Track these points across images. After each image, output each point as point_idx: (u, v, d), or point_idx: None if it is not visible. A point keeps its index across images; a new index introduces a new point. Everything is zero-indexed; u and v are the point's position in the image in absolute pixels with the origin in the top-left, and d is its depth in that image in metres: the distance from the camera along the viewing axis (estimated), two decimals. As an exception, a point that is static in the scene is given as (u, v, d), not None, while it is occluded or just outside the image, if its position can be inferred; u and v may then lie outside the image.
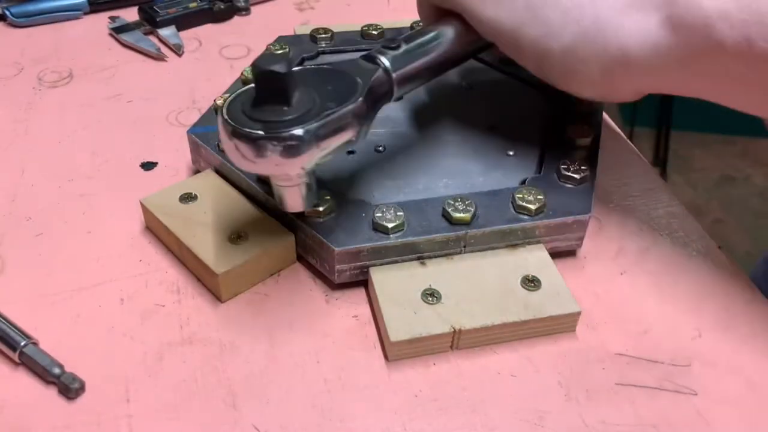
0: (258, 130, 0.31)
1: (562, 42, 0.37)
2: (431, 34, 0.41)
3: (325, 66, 0.38)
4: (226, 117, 0.32)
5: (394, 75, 0.38)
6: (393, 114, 0.47)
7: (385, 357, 0.35)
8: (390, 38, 0.41)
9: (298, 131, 0.32)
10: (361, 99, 0.34)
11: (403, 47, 0.40)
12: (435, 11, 0.43)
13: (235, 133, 0.32)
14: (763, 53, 0.30)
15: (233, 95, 0.34)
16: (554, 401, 0.33)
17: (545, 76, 0.40)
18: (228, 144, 0.32)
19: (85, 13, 0.65)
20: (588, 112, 0.47)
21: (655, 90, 0.37)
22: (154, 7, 0.63)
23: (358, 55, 0.53)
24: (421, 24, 0.54)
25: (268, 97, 0.32)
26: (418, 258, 0.38)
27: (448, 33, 0.41)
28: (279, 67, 0.31)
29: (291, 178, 0.34)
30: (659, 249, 0.42)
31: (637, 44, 0.35)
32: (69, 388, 0.32)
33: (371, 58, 0.39)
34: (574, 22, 0.36)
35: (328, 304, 0.38)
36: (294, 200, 0.35)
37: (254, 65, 0.32)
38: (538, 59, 0.39)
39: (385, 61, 0.38)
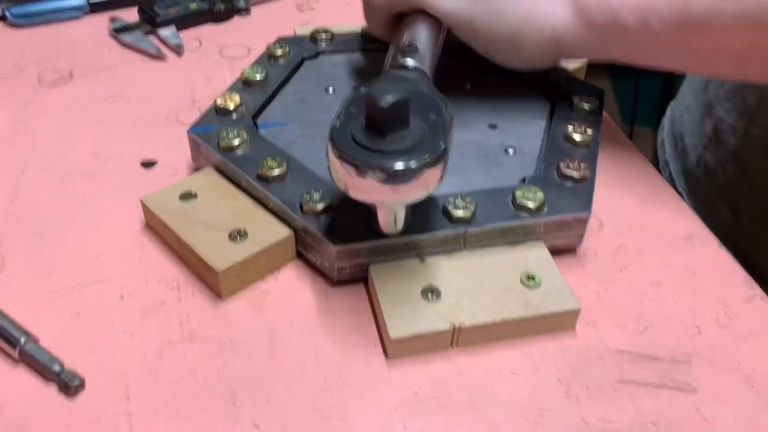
0: (405, 160, 0.31)
1: (510, 27, 0.44)
2: (425, 31, 0.44)
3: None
4: (373, 161, 0.31)
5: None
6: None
7: (385, 354, 0.35)
8: (406, 45, 0.42)
9: (442, 152, 0.32)
10: (448, 107, 0.35)
11: (421, 49, 0.42)
12: (390, 17, 0.48)
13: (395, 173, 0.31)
14: (657, 29, 0.40)
15: (338, 122, 0.33)
16: (554, 398, 0.33)
17: (491, 55, 0.47)
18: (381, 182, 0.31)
19: (85, 14, 0.66)
20: (588, 112, 0.47)
21: (572, 58, 0.47)
22: (154, 8, 0.63)
23: (358, 54, 0.54)
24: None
25: (395, 125, 0.32)
26: (418, 255, 0.38)
27: (429, 27, 0.45)
28: (406, 95, 0.31)
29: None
30: (659, 246, 0.42)
31: (563, 29, 0.43)
32: (69, 385, 0.32)
33: (403, 66, 0.41)
34: (520, 9, 0.44)
35: (328, 301, 0.38)
36: (400, 221, 0.36)
37: (374, 96, 0.31)
38: (488, 41, 0.45)
39: (418, 65, 0.41)
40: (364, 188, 0.32)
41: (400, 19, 0.46)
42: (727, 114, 0.58)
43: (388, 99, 0.31)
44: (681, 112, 0.66)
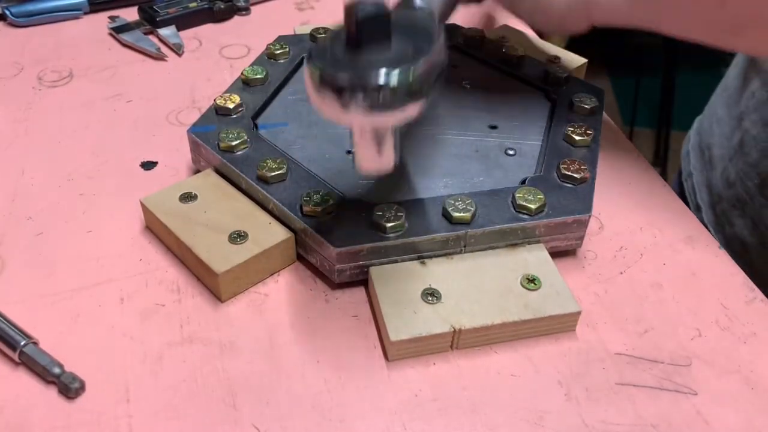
0: (388, 68, 0.29)
1: None
2: None
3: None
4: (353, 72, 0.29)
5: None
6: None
7: (385, 357, 0.35)
8: None
9: (425, 63, 0.30)
10: (443, 34, 0.33)
11: None
12: None
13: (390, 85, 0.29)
14: None
15: (316, 47, 0.31)
16: (554, 401, 0.33)
17: (516, 12, 0.46)
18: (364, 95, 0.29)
19: (85, 13, 0.66)
20: (588, 113, 0.47)
21: (606, 24, 0.44)
22: (154, 7, 0.63)
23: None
24: None
25: (371, 39, 0.30)
26: (418, 258, 0.38)
27: None
28: (382, 7, 0.30)
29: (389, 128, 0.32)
30: (659, 249, 0.42)
31: None
32: (69, 387, 0.32)
33: (410, 6, 0.37)
34: None
35: (328, 303, 0.38)
36: (390, 154, 0.34)
37: (353, 6, 0.29)
38: None
39: (425, 5, 0.38)
40: (329, 102, 0.30)
41: None
42: (752, 125, 0.55)
43: (366, 9, 0.29)
44: (711, 124, 0.63)
